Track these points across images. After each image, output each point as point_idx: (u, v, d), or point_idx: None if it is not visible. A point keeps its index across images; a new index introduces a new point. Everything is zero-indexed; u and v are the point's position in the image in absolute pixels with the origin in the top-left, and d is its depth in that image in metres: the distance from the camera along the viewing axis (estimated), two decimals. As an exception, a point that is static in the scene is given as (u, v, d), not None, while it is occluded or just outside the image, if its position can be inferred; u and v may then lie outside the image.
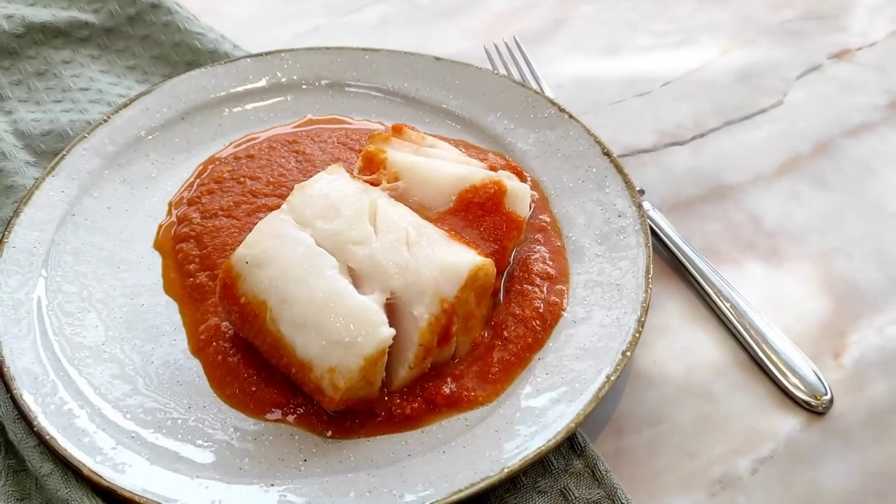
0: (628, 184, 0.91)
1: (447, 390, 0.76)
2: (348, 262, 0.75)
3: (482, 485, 0.68)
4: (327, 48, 1.09)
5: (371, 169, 0.86)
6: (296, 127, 1.03)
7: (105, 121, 0.99)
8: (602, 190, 0.92)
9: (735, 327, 0.85)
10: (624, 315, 0.80)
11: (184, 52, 1.14)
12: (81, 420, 0.74)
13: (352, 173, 0.85)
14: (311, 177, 0.82)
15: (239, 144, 1.01)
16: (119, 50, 1.16)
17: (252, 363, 0.78)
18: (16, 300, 0.82)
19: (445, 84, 1.05)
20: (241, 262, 0.75)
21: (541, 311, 0.82)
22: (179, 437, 0.74)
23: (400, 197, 0.83)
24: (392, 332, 0.71)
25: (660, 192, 1.01)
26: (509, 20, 1.29)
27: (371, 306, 0.72)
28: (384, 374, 0.74)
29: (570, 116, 0.98)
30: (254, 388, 0.77)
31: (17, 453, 0.75)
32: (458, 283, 0.74)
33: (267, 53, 1.08)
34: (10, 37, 1.12)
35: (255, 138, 1.02)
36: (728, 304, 0.86)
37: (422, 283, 0.73)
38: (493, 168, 0.88)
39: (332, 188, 0.79)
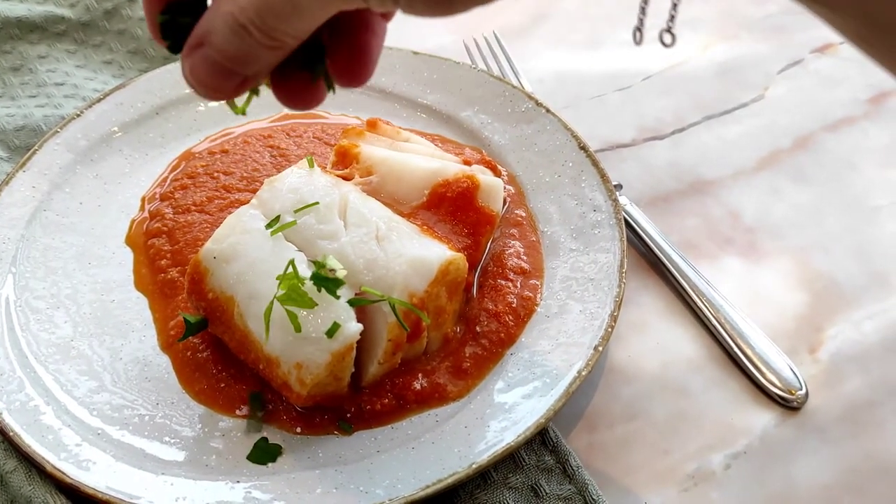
0: (604, 178, 0.90)
1: (418, 386, 0.76)
2: (317, 257, 0.74)
3: (450, 480, 0.68)
4: (304, 42, 1.07)
5: (344, 163, 0.85)
6: (272, 122, 1.02)
7: (78, 115, 0.97)
8: (578, 184, 0.91)
9: (711, 322, 0.85)
10: (597, 310, 0.79)
11: (160, 47, 1.12)
12: (47, 417, 0.73)
13: (325, 168, 0.84)
14: (284, 171, 0.81)
15: (214, 139, 1.00)
16: (95, 45, 1.15)
17: (221, 359, 0.77)
18: (-17, 296, 0.82)
19: (423, 78, 1.04)
20: (209, 258, 0.74)
21: (514, 305, 0.82)
22: (146, 434, 0.73)
23: (373, 191, 0.82)
24: (359, 327, 0.70)
25: (638, 186, 1.00)
26: (490, 14, 1.28)
27: (339, 302, 0.71)
28: (353, 370, 0.73)
29: (548, 111, 0.97)
30: (223, 385, 0.76)
31: (-18, 451, 0.74)
32: (428, 278, 0.74)
33: (243, 48, 1.07)
34: (-15, 31, 1.11)
35: (230, 133, 1.01)
36: (704, 300, 0.86)
37: (391, 277, 0.73)
38: (467, 162, 0.87)
39: (302, 182, 0.79)
